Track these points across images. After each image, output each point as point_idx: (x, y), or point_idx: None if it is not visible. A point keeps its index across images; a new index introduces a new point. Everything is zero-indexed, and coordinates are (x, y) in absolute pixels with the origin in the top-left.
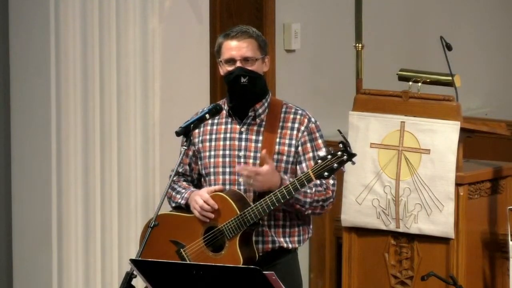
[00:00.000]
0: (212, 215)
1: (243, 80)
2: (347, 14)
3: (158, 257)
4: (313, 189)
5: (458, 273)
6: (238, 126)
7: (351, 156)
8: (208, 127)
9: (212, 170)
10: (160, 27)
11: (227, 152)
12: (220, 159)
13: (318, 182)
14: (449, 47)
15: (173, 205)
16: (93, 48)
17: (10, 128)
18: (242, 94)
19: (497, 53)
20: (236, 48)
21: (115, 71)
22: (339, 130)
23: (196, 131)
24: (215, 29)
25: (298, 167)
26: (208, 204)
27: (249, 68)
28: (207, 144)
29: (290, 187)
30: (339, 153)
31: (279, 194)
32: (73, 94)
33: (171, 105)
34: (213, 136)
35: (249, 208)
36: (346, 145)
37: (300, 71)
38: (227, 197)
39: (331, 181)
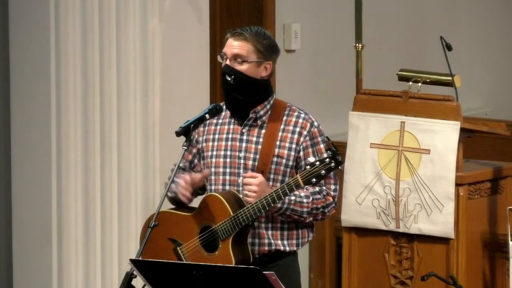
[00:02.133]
0: (189, 195)
1: (228, 78)
2: (347, 14)
3: (156, 254)
4: (310, 198)
5: (458, 273)
6: (239, 127)
7: (338, 163)
8: (212, 127)
9: (213, 170)
10: (160, 27)
11: (228, 153)
12: (221, 159)
13: (317, 189)
14: (449, 47)
15: (170, 195)
16: (93, 48)
17: (10, 128)
18: (228, 92)
19: (497, 53)
20: (230, 46)
21: (115, 71)
22: (327, 137)
23: (201, 129)
24: (215, 29)
25: (298, 171)
26: (186, 183)
27: (237, 67)
28: (210, 143)
29: (280, 191)
30: (327, 160)
31: (269, 198)
32: (73, 94)
33: (171, 105)
34: (216, 136)
35: (241, 210)
36: (334, 152)
37: (300, 71)
38: (221, 197)
39: (332, 187)
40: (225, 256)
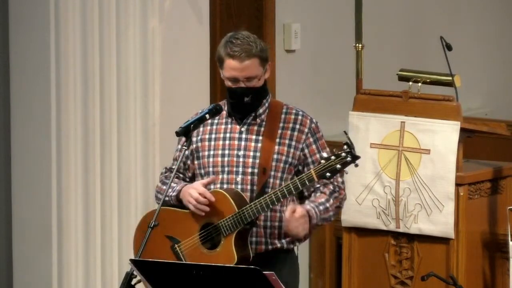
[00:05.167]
0: (208, 208)
1: (246, 99)
2: (347, 14)
3: (153, 253)
4: (331, 200)
5: (458, 273)
6: (238, 126)
7: (355, 158)
8: (208, 127)
9: (211, 169)
10: (160, 27)
11: (226, 152)
12: (219, 159)
13: (331, 187)
14: (449, 47)
15: (160, 196)
16: (93, 48)
17: (10, 128)
18: (245, 109)
19: (497, 53)
20: (238, 69)
21: (115, 71)
22: (345, 132)
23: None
24: (215, 29)
25: (305, 169)
26: (205, 197)
27: (252, 85)
28: (206, 143)
29: (291, 185)
30: (343, 154)
31: (279, 193)
32: (73, 94)
33: (171, 105)
34: (213, 136)
35: (247, 206)
36: (350, 146)
37: (300, 71)
38: (226, 194)
39: (340, 179)
40: (227, 253)
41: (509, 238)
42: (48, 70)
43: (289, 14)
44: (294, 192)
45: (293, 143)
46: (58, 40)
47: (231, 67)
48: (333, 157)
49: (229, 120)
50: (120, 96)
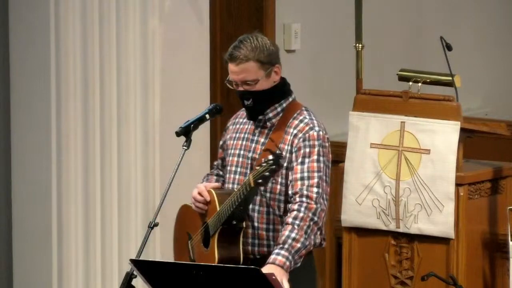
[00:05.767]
0: (205, 207)
1: (246, 102)
2: (347, 14)
3: (180, 248)
4: (296, 227)
5: (458, 273)
6: (253, 128)
7: (279, 165)
8: (236, 126)
9: (228, 168)
10: (160, 27)
11: (241, 152)
12: (235, 158)
13: (295, 207)
14: (449, 47)
15: None
16: (93, 48)
17: (10, 128)
18: (250, 111)
19: (497, 53)
20: (235, 72)
21: (115, 71)
22: (271, 138)
23: (230, 128)
24: (215, 29)
25: (290, 172)
26: (202, 196)
27: (251, 89)
28: (231, 142)
29: (240, 191)
30: (271, 161)
31: (237, 193)
32: (73, 94)
33: (171, 105)
34: (236, 135)
35: (222, 205)
36: (276, 154)
37: (300, 71)
38: (213, 193)
39: (314, 189)
40: (212, 252)
41: (509, 238)
42: (48, 70)
43: (289, 14)
44: (242, 197)
45: (289, 147)
46: (58, 40)
47: (230, 70)
48: (263, 164)
49: (251, 121)
50: (120, 96)
